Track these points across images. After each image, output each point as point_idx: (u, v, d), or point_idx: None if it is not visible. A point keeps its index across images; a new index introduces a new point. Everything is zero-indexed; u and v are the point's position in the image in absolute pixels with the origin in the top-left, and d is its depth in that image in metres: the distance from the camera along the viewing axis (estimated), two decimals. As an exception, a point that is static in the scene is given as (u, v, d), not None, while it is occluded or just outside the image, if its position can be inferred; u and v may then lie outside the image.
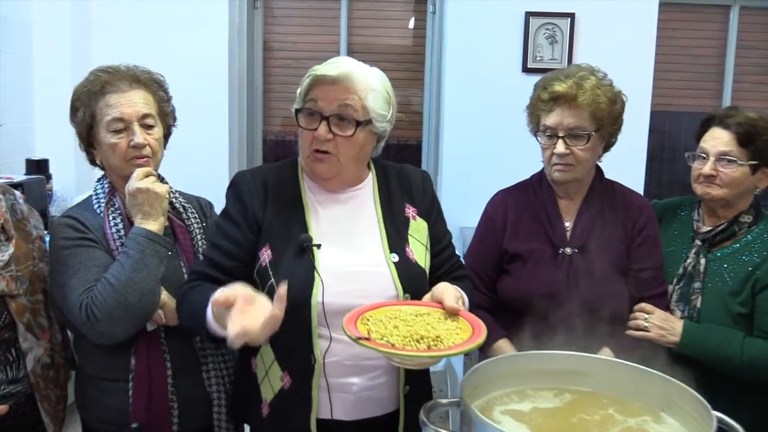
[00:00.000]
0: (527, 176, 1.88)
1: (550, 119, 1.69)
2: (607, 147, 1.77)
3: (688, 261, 1.80)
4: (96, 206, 1.57)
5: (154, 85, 1.60)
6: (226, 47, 3.63)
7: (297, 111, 1.42)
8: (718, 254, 1.80)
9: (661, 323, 1.70)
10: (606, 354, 1.63)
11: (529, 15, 3.66)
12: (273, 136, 4.17)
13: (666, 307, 1.76)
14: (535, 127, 1.77)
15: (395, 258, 1.41)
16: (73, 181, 3.29)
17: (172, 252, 1.55)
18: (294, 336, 1.32)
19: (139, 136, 1.52)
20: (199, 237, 1.63)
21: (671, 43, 4.02)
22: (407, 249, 1.45)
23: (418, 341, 1.16)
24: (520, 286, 1.72)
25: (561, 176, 1.71)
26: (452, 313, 1.26)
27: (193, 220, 1.65)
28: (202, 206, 1.73)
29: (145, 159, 1.54)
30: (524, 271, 1.73)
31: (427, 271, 1.47)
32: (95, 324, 1.41)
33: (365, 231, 1.45)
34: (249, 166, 4.04)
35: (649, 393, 1.22)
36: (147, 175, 1.51)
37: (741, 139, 1.73)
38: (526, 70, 3.70)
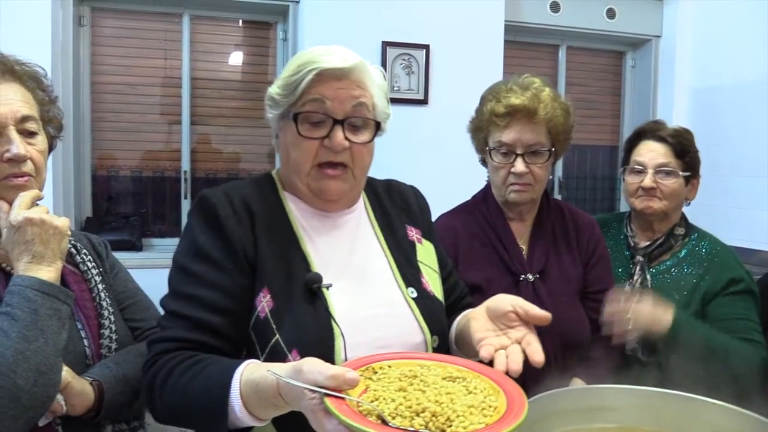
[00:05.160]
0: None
1: (507, 135, 1.54)
2: (553, 164, 1.68)
3: (635, 278, 1.76)
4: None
5: (30, 82, 1.19)
6: (48, 70, 3.05)
7: (295, 115, 1.11)
8: (660, 268, 1.78)
9: (649, 308, 1.53)
10: (578, 385, 1.50)
11: (386, 45, 3.61)
12: (104, 172, 3.60)
13: None
14: (483, 144, 1.62)
15: (413, 293, 1.16)
16: None
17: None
18: None
19: (19, 145, 1.10)
20: (100, 287, 1.23)
21: (513, 79, 4.20)
22: (422, 280, 1.20)
23: (417, 414, 0.80)
24: None
25: (519, 197, 1.58)
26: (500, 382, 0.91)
27: (89, 264, 1.24)
28: (95, 246, 1.32)
29: (26, 178, 1.13)
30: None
31: (444, 303, 1.23)
32: None
33: (371, 262, 1.18)
34: (77, 207, 3.45)
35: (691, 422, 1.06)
36: (35, 201, 1.10)
37: (677, 151, 1.74)
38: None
